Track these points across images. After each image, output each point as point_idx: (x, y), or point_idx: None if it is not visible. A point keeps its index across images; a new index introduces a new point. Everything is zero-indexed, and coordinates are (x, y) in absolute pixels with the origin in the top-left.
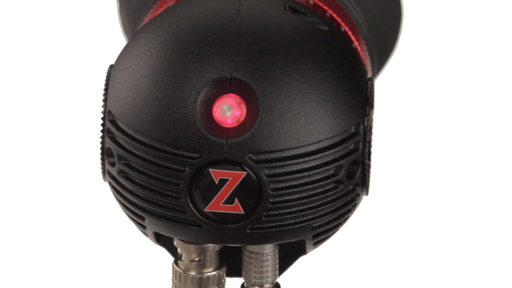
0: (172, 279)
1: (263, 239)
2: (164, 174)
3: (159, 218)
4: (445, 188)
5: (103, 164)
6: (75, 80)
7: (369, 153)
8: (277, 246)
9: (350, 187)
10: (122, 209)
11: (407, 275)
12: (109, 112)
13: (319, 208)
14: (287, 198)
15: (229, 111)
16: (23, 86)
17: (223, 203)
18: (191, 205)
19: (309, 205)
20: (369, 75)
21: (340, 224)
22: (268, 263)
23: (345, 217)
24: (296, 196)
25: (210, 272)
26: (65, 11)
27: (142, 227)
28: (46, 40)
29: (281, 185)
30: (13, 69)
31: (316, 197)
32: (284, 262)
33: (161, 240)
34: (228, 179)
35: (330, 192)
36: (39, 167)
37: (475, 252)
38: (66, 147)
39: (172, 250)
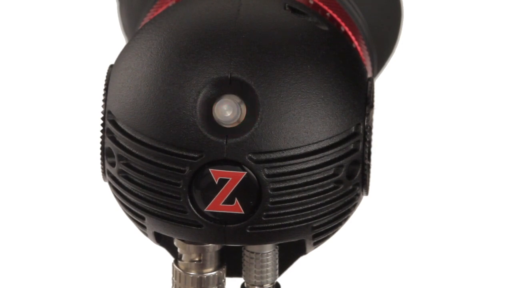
0: (172, 279)
1: (263, 239)
2: (164, 174)
3: (159, 218)
4: (445, 188)
5: (103, 164)
6: (76, 80)
7: (369, 153)
8: (277, 246)
9: (350, 187)
10: (122, 209)
11: (407, 275)
12: (109, 112)
13: (319, 208)
14: (287, 198)
15: (229, 111)
16: (23, 86)
17: (223, 203)
18: (191, 205)
19: (309, 205)
20: (369, 75)
21: (340, 224)
22: (268, 263)
23: (345, 217)
24: (296, 196)
25: (210, 272)
26: (65, 11)
27: (142, 227)
28: (46, 40)
29: (281, 185)
30: (13, 69)
31: (316, 197)
32: (284, 262)
33: (161, 240)
34: (228, 179)
35: (330, 192)
36: (39, 167)
37: (475, 252)
38: (67, 147)
39: (172, 250)
